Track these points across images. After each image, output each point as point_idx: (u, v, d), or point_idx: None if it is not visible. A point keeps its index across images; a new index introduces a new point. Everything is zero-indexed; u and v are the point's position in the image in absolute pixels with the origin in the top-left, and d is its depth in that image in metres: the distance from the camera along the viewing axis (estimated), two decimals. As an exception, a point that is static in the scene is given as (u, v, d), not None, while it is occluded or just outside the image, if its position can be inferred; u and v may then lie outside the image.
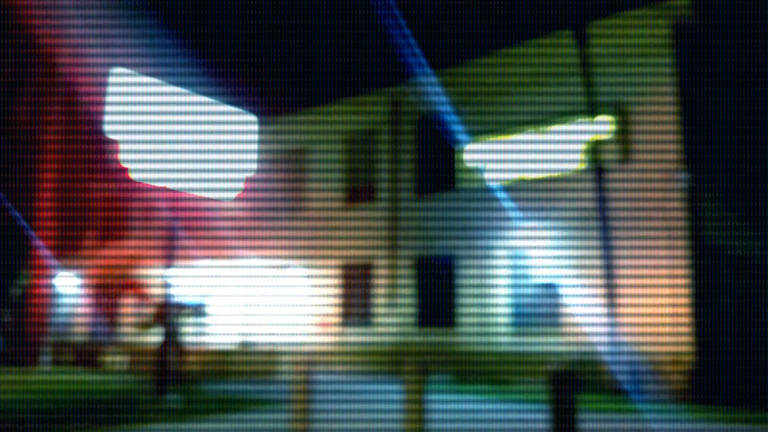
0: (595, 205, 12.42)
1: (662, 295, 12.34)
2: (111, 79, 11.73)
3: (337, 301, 17.80)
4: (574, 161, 14.27)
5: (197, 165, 12.37)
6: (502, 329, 14.63)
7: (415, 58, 14.76)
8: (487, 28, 17.07)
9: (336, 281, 17.92)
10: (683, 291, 12.31)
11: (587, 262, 13.14)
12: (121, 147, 11.64)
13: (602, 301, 12.02)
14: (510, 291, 14.74)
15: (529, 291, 14.44)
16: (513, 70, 15.23)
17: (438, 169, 16.54)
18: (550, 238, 14.14)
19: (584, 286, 13.18)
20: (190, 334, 16.48)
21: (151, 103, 11.68)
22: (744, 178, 15.05)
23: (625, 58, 13.76)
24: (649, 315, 12.28)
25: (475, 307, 15.11)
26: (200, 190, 12.86)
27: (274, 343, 16.79)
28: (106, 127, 11.63)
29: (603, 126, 13.46)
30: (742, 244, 15.02)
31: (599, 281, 12.29)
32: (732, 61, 15.10)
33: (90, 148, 19.99)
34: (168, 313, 10.86)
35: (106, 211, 23.59)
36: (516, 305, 14.60)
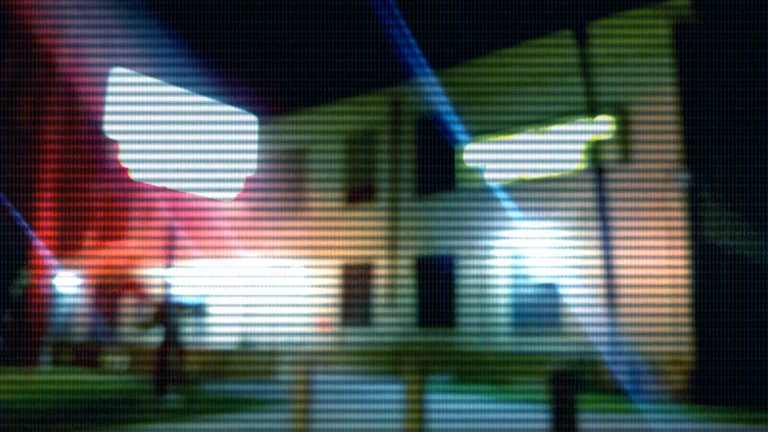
0: (595, 205, 12.42)
1: (662, 295, 12.34)
2: (111, 79, 11.73)
3: (337, 301, 17.79)
4: (574, 161, 14.27)
5: (197, 165, 12.37)
6: (502, 329, 14.62)
7: (415, 58, 14.75)
8: (487, 28, 17.05)
9: (336, 281, 17.91)
10: (683, 291, 12.31)
11: (587, 262, 13.14)
12: (121, 147, 11.64)
13: (602, 301, 12.02)
14: (510, 291, 14.73)
15: (529, 291, 14.43)
16: (513, 70, 15.22)
17: (438, 169, 16.53)
18: (550, 238, 14.14)
19: (584, 286, 13.18)
20: (190, 334, 16.50)
21: (151, 103, 11.68)
22: (744, 178, 15.04)
23: (625, 58, 13.75)
24: (649, 315, 12.28)
25: (475, 307, 15.11)
26: (200, 190, 12.85)
27: (274, 343, 16.78)
28: (106, 127, 11.63)
29: (603, 126, 13.46)
30: (741, 244, 15.01)
31: (599, 281, 12.29)
32: (732, 61, 15.08)
33: (90, 148, 19.98)
34: (168, 313, 10.85)
35: (106, 211, 23.58)
36: (516, 305, 14.60)
